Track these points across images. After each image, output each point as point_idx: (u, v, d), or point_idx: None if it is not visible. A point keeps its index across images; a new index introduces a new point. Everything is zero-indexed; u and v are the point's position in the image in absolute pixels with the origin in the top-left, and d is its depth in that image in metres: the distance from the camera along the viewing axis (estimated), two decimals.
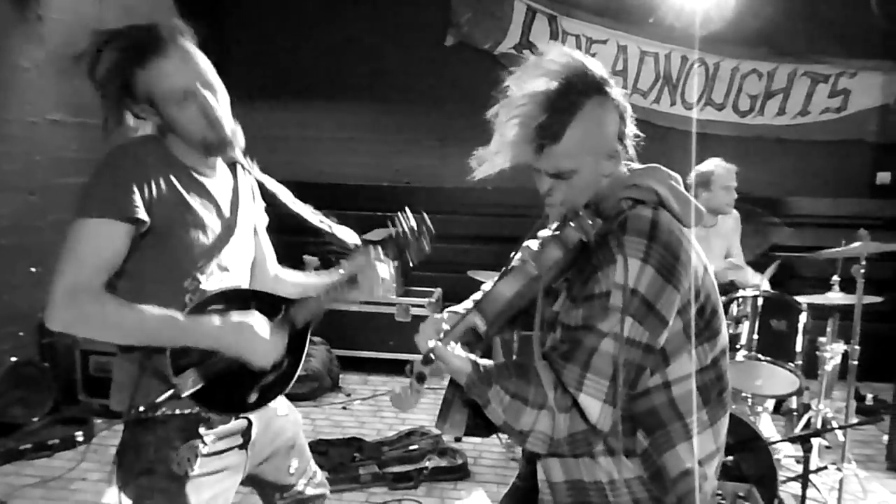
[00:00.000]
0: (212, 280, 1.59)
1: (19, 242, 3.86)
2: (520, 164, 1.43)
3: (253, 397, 1.59)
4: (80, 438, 3.68)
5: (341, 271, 1.77)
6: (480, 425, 1.47)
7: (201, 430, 1.56)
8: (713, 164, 3.68)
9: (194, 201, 1.56)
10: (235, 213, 1.69)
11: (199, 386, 1.50)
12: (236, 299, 1.57)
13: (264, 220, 1.89)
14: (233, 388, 1.56)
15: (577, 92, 1.37)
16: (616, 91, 1.42)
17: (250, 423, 1.68)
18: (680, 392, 1.39)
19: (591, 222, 1.36)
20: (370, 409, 4.38)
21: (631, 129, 1.46)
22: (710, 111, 5.25)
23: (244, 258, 1.72)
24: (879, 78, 5.05)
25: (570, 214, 1.40)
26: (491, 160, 1.47)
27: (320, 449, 3.55)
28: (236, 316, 1.52)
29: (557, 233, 1.40)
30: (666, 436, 1.39)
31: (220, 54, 5.43)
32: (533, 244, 1.48)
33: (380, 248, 1.79)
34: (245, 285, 1.70)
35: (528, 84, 1.40)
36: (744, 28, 5.02)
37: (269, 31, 5.54)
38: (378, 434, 3.93)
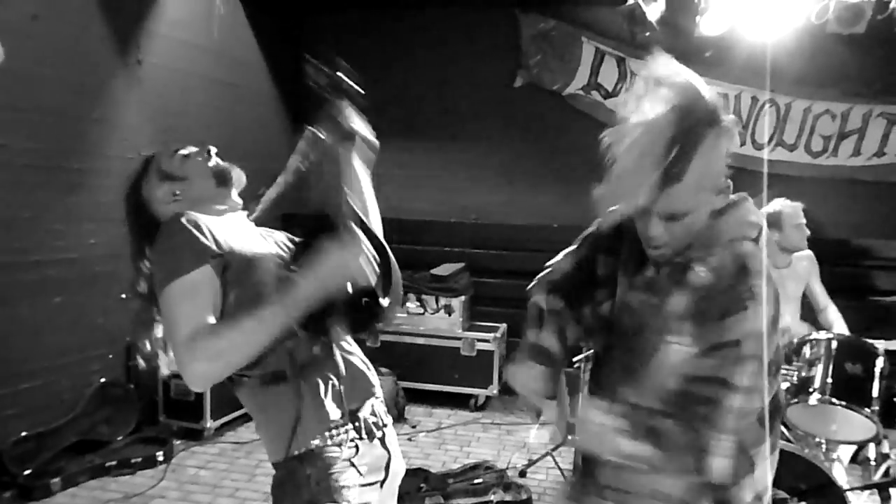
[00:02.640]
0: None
1: (113, 270, 4.12)
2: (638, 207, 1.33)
3: (385, 302, 1.55)
4: (161, 458, 3.86)
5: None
6: None
7: (355, 461, 1.56)
8: (779, 204, 3.67)
9: (237, 229, 1.65)
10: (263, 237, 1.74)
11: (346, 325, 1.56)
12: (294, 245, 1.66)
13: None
14: (363, 310, 1.54)
15: (697, 122, 1.25)
16: (728, 118, 1.31)
17: (390, 456, 1.69)
18: (747, 424, 1.34)
19: (705, 272, 1.30)
20: (435, 441, 4.44)
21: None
22: (782, 152, 5.21)
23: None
24: None
25: (684, 261, 1.34)
26: (615, 200, 1.37)
27: None
28: (311, 257, 1.49)
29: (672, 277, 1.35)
30: (734, 467, 1.32)
31: (297, 92, 5.75)
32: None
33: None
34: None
35: (647, 119, 1.28)
36: (816, 68, 5.00)
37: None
38: (443, 466, 3.99)
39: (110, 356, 4.15)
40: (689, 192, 1.28)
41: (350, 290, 1.51)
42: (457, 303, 5.08)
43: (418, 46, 5.66)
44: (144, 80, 4.30)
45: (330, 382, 1.59)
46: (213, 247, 1.51)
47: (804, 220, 3.68)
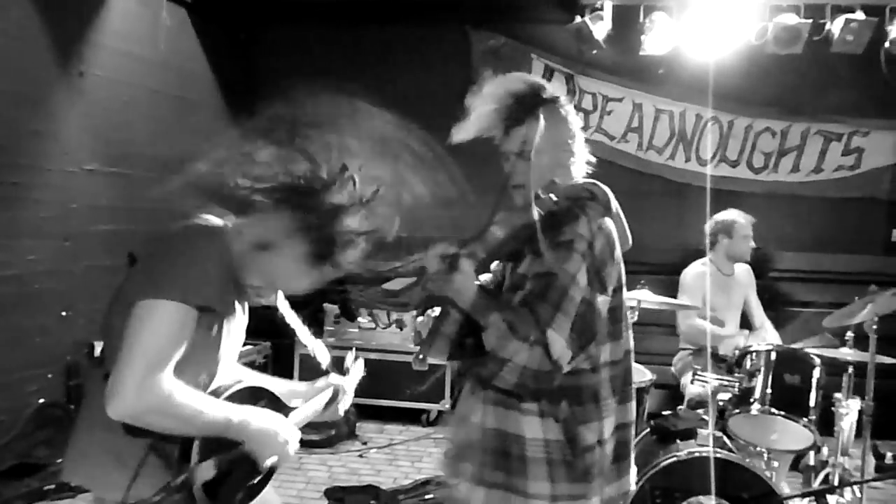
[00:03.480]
0: (214, 377, 1.60)
1: (52, 287, 4.01)
2: (487, 135, 1.78)
3: (240, 496, 1.59)
4: None
5: (320, 389, 1.90)
6: (460, 352, 1.70)
7: None
8: (735, 214, 3.87)
9: (231, 301, 1.59)
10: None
11: (211, 476, 1.47)
12: (248, 398, 1.60)
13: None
14: (228, 483, 1.54)
15: (536, 96, 1.74)
16: (568, 110, 1.80)
17: None
18: (600, 378, 1.68)
19: (553, 199, 1.67)
20: (386, 458, 4.42)
21: (583, 153, 1.82)
22: (725, 167, 5.37)
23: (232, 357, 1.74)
24: (892, 137, 5.16)
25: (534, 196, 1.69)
26: (465, 128, 1.83)
27: (336, 496, 3.60)
28: (270, 416, 1.57)
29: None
30: (584, 412, 1.66)
31: (248, 107, 5.69)
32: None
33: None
34: (253, 383, 1.70)
35: (500, 84, 1.79)
36: (757, 87, 5.18)
37: (295, 84, 5.74)
38: (394, 482, 3.97)
39: (49, 376, 4.03)
40: (528, 138, 1.69)
41: (247, 464, 1.55)
42: (408, 317, 5.08)
43: (370, 61, 5.67)
44: (87, 93, 4.21)
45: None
46: (217, 301, 1.46)
47: (752, 233, 3.87)
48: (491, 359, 1.57)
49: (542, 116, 1.71)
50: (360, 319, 5.07)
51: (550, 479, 1.64)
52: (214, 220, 1.55)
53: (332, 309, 5.16)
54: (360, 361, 2.02)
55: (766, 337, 3.82)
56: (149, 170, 4.46)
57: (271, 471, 1.63)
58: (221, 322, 1.54)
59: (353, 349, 2.06)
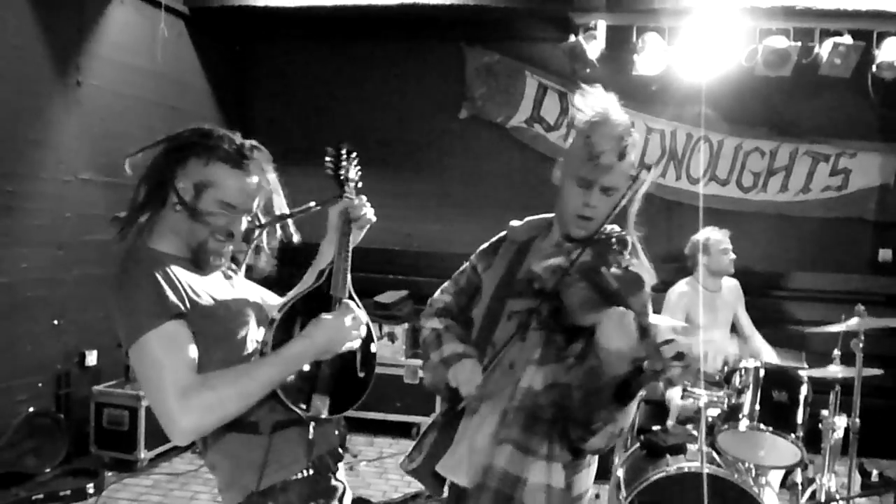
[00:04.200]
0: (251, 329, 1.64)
1: (45, 295, 4.01)
2: (593, 166, 1.63)
3: (361, 373, 1.70)
4: (91, 490, 3.75)
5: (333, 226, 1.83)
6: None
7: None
8: (707, 232, 3.96)
9: (201, 278, 1.62)
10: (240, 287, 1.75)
11: (328, 403, 1.59)
12: (286, 326, 1.61)
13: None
14: (343, 381, 1.64)
15: (619, 130, 1.65)
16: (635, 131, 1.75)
17: (345, 488, 1.77)
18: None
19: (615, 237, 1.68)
20: (376, 471, 4.43)
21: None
22: (714, 186, 5.44)
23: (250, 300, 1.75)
24: (878, 159, 5.25)
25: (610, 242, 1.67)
26: (570, 149, 1.72)
27: None
28: (310, 325, 1.57)
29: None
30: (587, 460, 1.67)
31: (242, 120, 5.74)
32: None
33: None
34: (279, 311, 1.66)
35: (608, 113, 1.67)
36: (747, 108, 5.27)
37: (288, 100, 5.82)
38: (384, 496, 3.98)
39: (39, 384, 4.02)
40: (623, 175, 1.63)
41: (338, 363, 1.62)
42: (400, 330, 5.11)
43: (365, 77, 5.73)
44: (84, 103, 4.24)
45: (300, 434, 1.61)
46: (178, 303, 1.49)
47: (730, 246, 3.94)
48: (598, 422, 1.50)
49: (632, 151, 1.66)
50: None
51: None
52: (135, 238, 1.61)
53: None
54: (346, 148, 1.94)
55: (756, 346, 3.86)
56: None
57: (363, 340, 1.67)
58: (207, 299, 1.56)
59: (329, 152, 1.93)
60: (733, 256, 3.95)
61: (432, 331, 1.85)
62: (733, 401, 3.19)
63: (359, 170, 1.90)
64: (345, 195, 1.83)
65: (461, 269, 1.96)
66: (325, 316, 1.59)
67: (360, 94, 5.74)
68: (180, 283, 1.52)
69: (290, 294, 1.70)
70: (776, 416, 3.13)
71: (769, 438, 3.15)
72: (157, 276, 1.49)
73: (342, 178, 1.86)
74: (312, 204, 1.81)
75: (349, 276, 1.70)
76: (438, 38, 5.54)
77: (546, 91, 5.53)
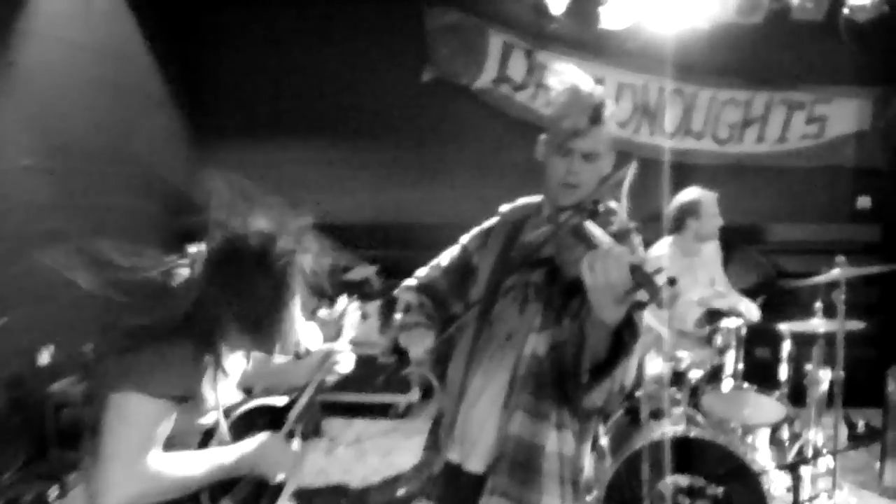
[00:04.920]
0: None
1: None
2: (561, 138, 1.73)
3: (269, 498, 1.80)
4: (55, 494, 3.68)
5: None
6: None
7: None
8: (697, 193, 3.84)
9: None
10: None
11: None
12: (248, 421, 1.73)
13: None
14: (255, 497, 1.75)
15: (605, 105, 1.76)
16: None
17: None
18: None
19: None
20: (354, 455, 4.41)
21: None
22: (690, 140, 5.43)
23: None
24: (854, 104, 5.27)
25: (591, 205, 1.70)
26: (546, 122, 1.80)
27: (303, 498, 3.58)
28: (260, 440, 1.70)
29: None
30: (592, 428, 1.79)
31: (192, 94, 5.58)
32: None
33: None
34: (251, 405, 1.80)
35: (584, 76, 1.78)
36: (719, 58, 5.24)
37: (241, 70, 5.67)
38: (363, 480, 3.96)
39: None
40: (603, 140, 1.72)
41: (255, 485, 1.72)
42: (372, 308, 5.05)
43: (321, 42, 5.58)
44: (18, 83, 4.07)
45: None
46: (189, 389, 1.53)
47: (717, 209, 3.89)
48: (616, 383, 1.57)
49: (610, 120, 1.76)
50: (319, 313, 5.03)
51: (561, 498, 1.70)
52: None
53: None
54: (353, 306, 2.18)
55: (733, 303, 3.85)
56: (89, 163, 4.35)
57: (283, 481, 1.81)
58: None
59: (346, 295, 2.16)
60: (721, 221, 3.89)
61: (405, 304, 2.02)
62: (716, 361, 3.21)
63: (360, 317, 2.20)
64: (337, 343, 2.05)
65: (449, 249, 2.08)
66: (275, 441, 1.74)
67: (319, 59, 5.60)
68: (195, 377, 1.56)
69: (256, 398, 1.82)
70: (760, 373, 3.17)
71: (753, 397, 3.18)
72: (190, 359, 1.52)
73: (341, 325, 2.12)
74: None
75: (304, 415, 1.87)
76: None
77: (511, 49, 5.44)
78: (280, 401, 1.85)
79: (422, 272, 2.10)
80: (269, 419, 1.78)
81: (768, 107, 5.36)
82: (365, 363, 4.88)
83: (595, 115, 1.71)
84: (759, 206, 5.36)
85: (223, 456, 1.62)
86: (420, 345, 1.80)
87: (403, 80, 5.51)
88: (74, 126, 4.44)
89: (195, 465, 1.56)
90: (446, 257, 2.07)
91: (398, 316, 1.97)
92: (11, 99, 4.03)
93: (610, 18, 4.91)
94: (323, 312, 2.06)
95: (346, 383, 5.13)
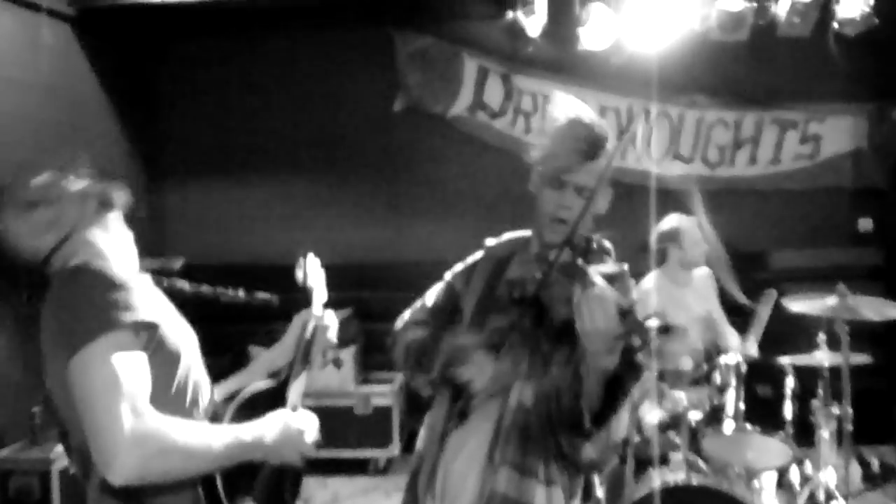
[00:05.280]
0: (201, 388, 1.63)
1: None
2: (555, 171, 1.77)
3: (288, 496, 1.77)
4: None
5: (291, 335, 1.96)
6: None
7: None
8: (676, 220, 3.92)
9: (155, 299, 1.59)
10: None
11: None
12: (246, 411, 1.66)
13: None
14: (272, 496, 1.70)
15: (606, 140, 1.81)
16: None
17: None
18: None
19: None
20: None
21: None
22: (679, 165, 5.50)
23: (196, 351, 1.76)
24: (849, 121, 5.37)
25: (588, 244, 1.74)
26: (541, 153, 1.82)
27: None
28: (274, 419, 1.63)
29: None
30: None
31: (148, 131, 5.59)
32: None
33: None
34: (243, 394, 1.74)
35: (583, 111, 1.82)
36: (705, 78, 5.34)
37: (202, 101, 5.70)
38: None
39: None
40: (599, 176, 1.72)
41: (275, 475, 1.68)
42: (346, 354, 5.02)
43: (285, 72, 5.63)
44: None
45: None
46: (144, 311, 1.45)
47: (700, 235, 3.94)
48: (611, 440, 1.62)
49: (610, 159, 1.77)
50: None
51: None
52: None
53: (258, 353, 5.06)
54: (310, 259, 2.11)
55: (729, 342, 3.87)
56: None
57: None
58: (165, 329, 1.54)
59: (301, 258, 2.10)
60: (705, 247, 3.94)
61: (416, 339, 1.96)
62: (715, 401, 3.21)
63: (334, 364, 2.10)
64: (313, 308, 1.99)
65: (434, 288, 2.07)
66: (290, 415, 1.67)
67: (284, 92, 5.64)
68: (138, 293, 1.48)
69: (244, 386, 1.75)
70: (763, 413, 3.17)
71: (757, 438, 3.19)
72: (111, 278, 1.45)
73: (310, 289, 2.03)
74: (274, 298, 2.00)
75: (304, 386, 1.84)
76: (364, 23, 5.47)
77: (487, 74, 5.51)
78: (271, 382, 1.82)
79: (407, 314, 2.08)
80: (270, 402, 1.73)
81: (759, 127, 5.45)
82: (340, 415, 4.87)
83: (593, 149, 1.75)
84: (755, 231, 5.41)
85: (240, 432, 1.53)
86: (484, 373, 1.74)
87: (374, 110, 5.55)
88: (20, 171, 4.41)
89: (209, 434, 1.47)
90: (431, 296, 2.06)
91: (405, 357, 1.95)
92: None
93: (590, 39, 4.99)
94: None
95: (321, 438, 5.09)
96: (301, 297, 1.97)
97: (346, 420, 4.93)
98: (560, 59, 5.38)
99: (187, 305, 1.83)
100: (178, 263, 1.69)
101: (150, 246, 5.68)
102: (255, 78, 5.65)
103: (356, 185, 5.67)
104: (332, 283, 5.76)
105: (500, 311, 1.81)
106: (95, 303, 1.41)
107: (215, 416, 1.61)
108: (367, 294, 5.38)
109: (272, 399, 1.75)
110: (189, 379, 1.57)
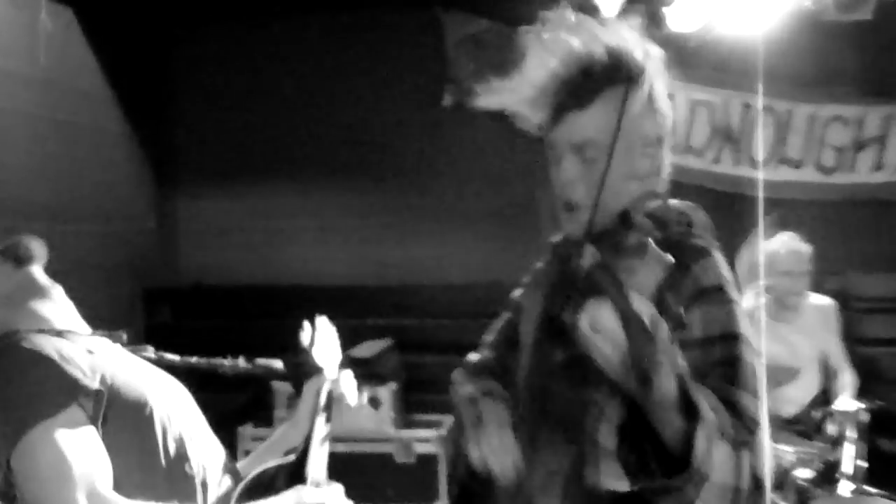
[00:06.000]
0: (199, 456, 1.67)
1: None
2: (530, 120, 1.61)
3: None
4: None
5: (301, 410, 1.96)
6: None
7: None
8: (777, 243, 3.85)
9: (124, 360, 1.66)
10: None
11: None
12: (263, 487, 1.70)
13: None
14: None
15: (618, 69, 1.50)
16: (660, 87, 1.57)
17: None
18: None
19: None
20: None
21: (667, 153, 1.61)
22: (786, 170, 5.38)
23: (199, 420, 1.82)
24: None
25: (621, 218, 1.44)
26: (500, 93, 1.66)
27: None
28: (296, 494, 1.67)
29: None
30: None
31: (159, 131, 5.71)
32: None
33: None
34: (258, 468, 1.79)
35: (568, 38, 1.55)
36: (819, 66, 5.21)
37: (220, 98, 5.81)
38: None
39: None
40: (596, 128, 1.48)
41: None
42: (385, 392, 5.01)
43: (313, 63, 5.70)
44: None
45: None
46: (87, 379, 1.50)
47: (805, 267, 3.85)
48: (686, 475, 1.36)
49: (620, 97, 1.45)
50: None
51: None
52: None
53: (283, 388, 5.09)
54: (318, 323, 2.02)
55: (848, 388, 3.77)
56: (29, 218, 4.43)
57: None
58: (136, 388, 1.59)
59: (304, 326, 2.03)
60: (805, 281, 3.85)
61: (464, 399, 1.78)
62: (829, 457, 3.13)
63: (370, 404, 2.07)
64: (326, 372, 1.95)
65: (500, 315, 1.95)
66: (309, 491, 1.69)
67: (312, 86, 5.72)
68: (77, 355, 1.53)
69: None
70: (887, 472, 3.08)
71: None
72: (43, 353, 1.51)
73: (318, 355, 1.97)
74: (279, 366, 1.99)
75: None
76: (407, 4, 5.52)
77: None
78: (286, 458, 1.85)
79: (473, 355, 1.96)
80: (288, 478, 1.76)
81: (887, 124, 5.30)
82: (377, 464, 4.86)
83: (584, 85, 1.49)
84: (876, 252, 5.25)
85: None
86: (504, 459, 1.56)
87: (417, 107, 5.58)
88: (16, 172, 4.57)
89: None
90: (493, 329, 1.96)
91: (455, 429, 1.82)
92: None
93: (677, 20, 4.93)
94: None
95: (354, 491, 5.08)
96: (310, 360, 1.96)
97: (383, 470, 4.91)
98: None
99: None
100: (123, 337, 1.71)
101: (161, 263, 5.80)
102: (280, 69, 5.73)
103: (396, 194, 5.69)
104: (367, 309, 5.77)
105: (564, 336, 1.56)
106: (28, 387, 1.47)
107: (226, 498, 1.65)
108: (409, 322, 5.38)
109: (290, 477, 1.77)
110: (168, 431, 1.60)
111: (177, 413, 1.65)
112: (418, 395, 5.27)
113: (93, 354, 1.58)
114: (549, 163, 1.60)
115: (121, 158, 5.55)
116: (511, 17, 5.51)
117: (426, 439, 4.93)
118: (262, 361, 1.98)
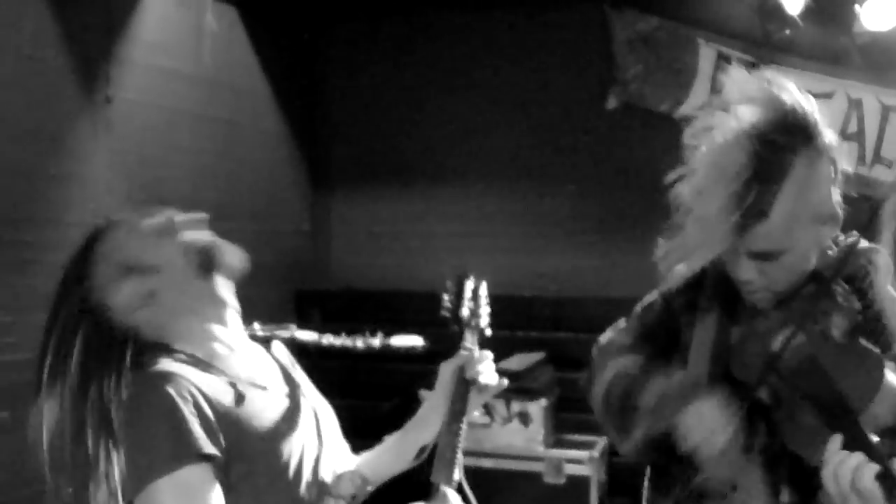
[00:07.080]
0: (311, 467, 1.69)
1: None
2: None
3: None
4: None
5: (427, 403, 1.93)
6: None
7: None
8: None
9: (240, 392, 1.66)
10: (289, 382, 1.82)
11: None
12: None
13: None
14: None
15: (781, 149, 1.49)
16: (827, 134, 1.54)
17: None
18: None
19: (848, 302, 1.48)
20: None
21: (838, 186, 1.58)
22: None
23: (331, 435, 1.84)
24: None
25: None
26: (686, 255, 1.65)
27: None
28: None
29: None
30: None
31: (315, 132, 5.90)
32: None
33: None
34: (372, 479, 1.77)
35: (718, 149, 1.56)
36: None
37: (376, 96, 5.98)
38: None
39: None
40: (781, 230, 1.48)
41: None
42: (536, 409, 5.00)
43: (471, 63, 5.77)
44: (116, 122, 4.47)
45: None
46: (205, 440, 1.52)
47: None
48: None
49: (797, 180, 1.48)
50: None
51: None
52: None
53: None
54: (468, 283, 2.00)
55: None
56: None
57: None
58: (253, 431, 1.61)
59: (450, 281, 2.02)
60: None
61: (622, 374, 1.78)
62: None
63: (488, 312, 1.98)
64: (463, 346, 1.88)
65: (642, 302, 1.97)
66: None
67: (471, 85, 5.78)
68: (214, 408, 1.55)
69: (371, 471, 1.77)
70: None
71: None
72: (179, 403, 1.52)
73: (462, 321, 1.92)
74: (419, 344, 1.91)
75: (460, 459, 1.77)
76: (572, 1, 5.53)
77: (729, 64, 5.36)
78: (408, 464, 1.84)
79: (606, 336, 2.03)
80: (408, 492, 1.74)
81: None
82: (525, 482, 4.85)
83: (776, 153, 1.45)
84: None
85: None
86: (717, 434, 1.53)
87: (581, 108, 5.57)
88: (178, 171, 4.85)
89: None
90: (638, 313, 2.02)
91: (605, 403, 1.81)
92: (107, 141, 4.43)
93: (873, 17, 4.73)
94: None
95: None
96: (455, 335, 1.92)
97: (531, 489, 4.91)
98: (830, 44, 5.15)
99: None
100: (293, 329, 1.67)
101: (313, 265, 5.98)
102: (437, 68, 5.84)
103: (556, 200, 5.69)
104: (520, 320, 5.76)
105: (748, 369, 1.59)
106: (160, 434, 1.50)
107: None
108: (564, 335, 5.36)
109: (406, 486, 1.77)
110: (289, 465, 1.63)
111: (305, 443, 1.68)
112: (571, 414, 5.24)
113: (232, 390, 1.61)
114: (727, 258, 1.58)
115: (278, 159, 5.79)
116: (684, 15, 5.44)
117: (578, 460, 4.89)
118: (400, 339, 1.92)
